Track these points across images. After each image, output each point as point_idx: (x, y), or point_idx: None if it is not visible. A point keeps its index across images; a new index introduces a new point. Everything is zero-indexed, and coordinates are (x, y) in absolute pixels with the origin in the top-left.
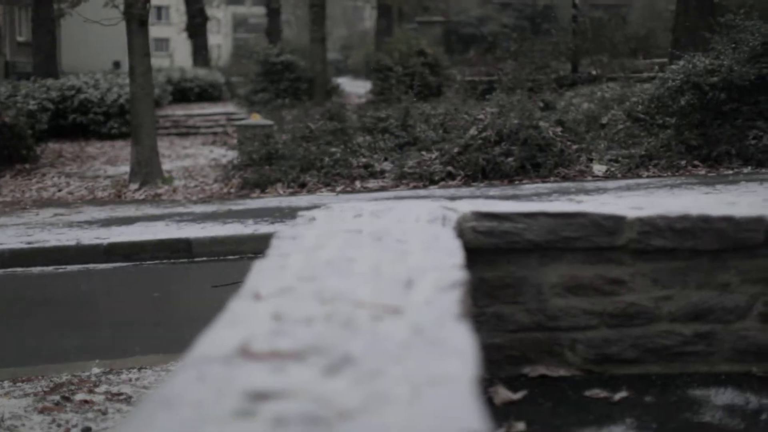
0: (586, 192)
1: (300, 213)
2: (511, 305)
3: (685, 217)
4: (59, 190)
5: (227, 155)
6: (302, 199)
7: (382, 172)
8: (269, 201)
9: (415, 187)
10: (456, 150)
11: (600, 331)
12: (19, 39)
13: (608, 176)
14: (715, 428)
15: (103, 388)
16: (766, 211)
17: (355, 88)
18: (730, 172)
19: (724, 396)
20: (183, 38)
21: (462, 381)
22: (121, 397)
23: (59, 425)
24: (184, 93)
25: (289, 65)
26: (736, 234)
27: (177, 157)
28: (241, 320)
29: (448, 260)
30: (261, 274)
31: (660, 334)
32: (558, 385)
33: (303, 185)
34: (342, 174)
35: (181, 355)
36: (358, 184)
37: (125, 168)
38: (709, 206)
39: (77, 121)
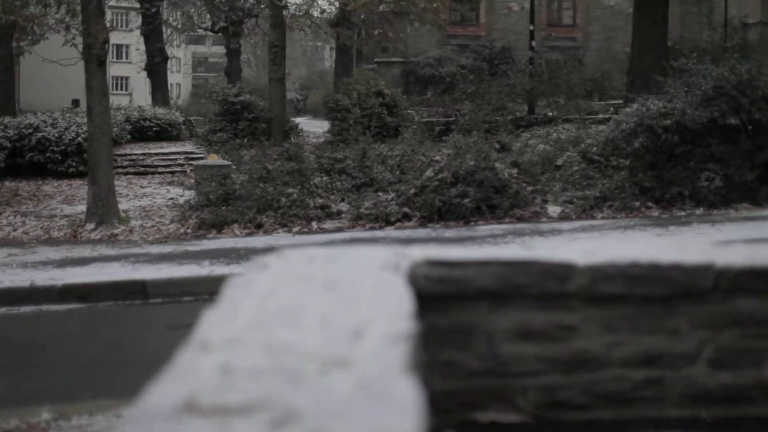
0: (541, 233)
1: (254, 257)
2: (462, 352)
3: (635, 264)
4: (14, 230)
5: (184, 195)
6: (258, 240)
7: (339, 213)
8: (225, 242)
9: (371, 228)
10: (412, 191)
11: (551, 377)
12: None
13: (563, 217)
14: None
15: None
16: (715, 258)
17: (314, 127)
18: (683, 213)
19: None
20: (142, 77)
21: None
22: None
23: None
24: (142, 132)
25: (247, 105)
26: (685, 281)
27: (134, 196)
28: (188, 372)
29: (398, 309)
30: (210, 322)
31: (611, 380)
32: (509, 431)
33: (260, 226)
34: (299, 215)
35: (133, 401)
36: (314, 225)
37: (82, 207)
38: (659, 252)
39: (35, 160)
